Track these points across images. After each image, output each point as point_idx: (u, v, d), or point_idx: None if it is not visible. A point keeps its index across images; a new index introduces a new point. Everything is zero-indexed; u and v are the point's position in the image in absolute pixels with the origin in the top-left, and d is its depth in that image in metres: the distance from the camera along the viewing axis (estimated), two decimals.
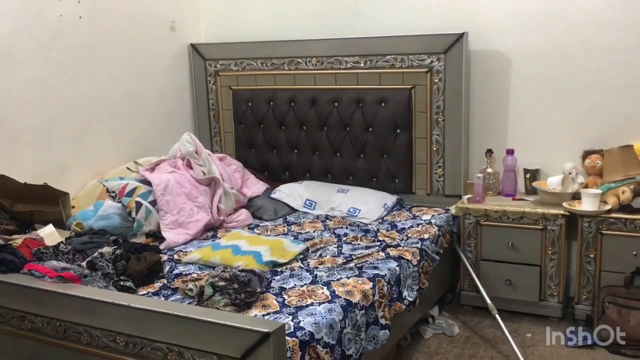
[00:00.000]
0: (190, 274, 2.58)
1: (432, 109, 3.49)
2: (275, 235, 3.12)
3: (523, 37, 3.40)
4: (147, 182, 3.14)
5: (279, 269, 2.60)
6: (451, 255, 3.39)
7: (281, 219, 3.45)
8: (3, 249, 2.41)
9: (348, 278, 2.48)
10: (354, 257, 2.73)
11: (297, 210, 3.57)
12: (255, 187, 3.71)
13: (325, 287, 2.38)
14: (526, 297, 3.25)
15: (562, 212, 3.10)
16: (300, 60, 3.77)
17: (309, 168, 3.85)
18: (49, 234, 2.72)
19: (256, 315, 2.15)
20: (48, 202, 2.89)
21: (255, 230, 3.25)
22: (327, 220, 3.37)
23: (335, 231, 3.16)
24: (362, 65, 3.61)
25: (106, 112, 3.52)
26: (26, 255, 2.46)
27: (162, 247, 2.92)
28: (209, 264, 2.66)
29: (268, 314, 2.16)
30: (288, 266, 2.65)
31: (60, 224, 2.89)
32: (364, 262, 2.66)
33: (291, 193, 3.65)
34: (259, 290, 2.26)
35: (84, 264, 2.47)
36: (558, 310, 3.22)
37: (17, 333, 2.29)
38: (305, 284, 2.43)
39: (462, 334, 3.12)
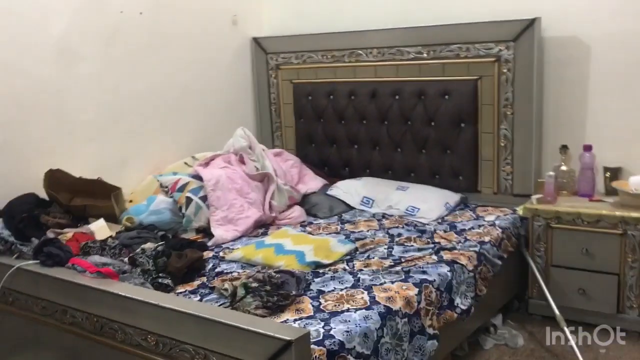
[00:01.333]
0: (231, 272, 2.52)
1: (500, 101, 3.23)
2: (327, 234, 3.01)
3: (604, 22, 3.07)
4: (199, 178, 3.12)
5: (321, 271, 2.49)
6: (519, 260, 3.13)
7: (336, 216, 3.33)
8: (50, 242, 2.46)
9: (392, 283, 2.32)
10: (403, 260, 2.56)
11: (354, 208, 3.43)
12: (312, 183, 3.61)
13: (365, 292, 2.24)
14: (602, 309, 2.94)
15: None
16: (360, 51, 3.62)
17: (369, 164, 3.70)
18: (100, 228, 2.75)
19: (287, 320, 2.04)
20: (101, 197, 2.93)
21: (307, 227, 3.15)
22: (384, 219, 3.21)
23: (390, 231, 2.99)
24: (425, 55, 3.41)
25: (165, 107, 3.54)
26: (73, 249, 2.50)
27: (210, 243, 2.89)
28: (251, 262, 2.59)
29: (300, 319, 2.05)
30: (332, 267, 2.52)
31: (113, 219, 2.92)
32: (412, 265, 2.49)
33: (348, 190, 3.52)
34: (294, 292, 2.15)
35: (126, 259, 2.47)
36: (638, 324, 2.88)
37: (60, 326, 2.33)
38: (346, 288, 2.30)
39: (527, 347, 2.87)
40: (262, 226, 3.18)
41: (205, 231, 3.04)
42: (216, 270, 2.57)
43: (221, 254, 2.76)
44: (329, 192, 3.53)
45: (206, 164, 3.29)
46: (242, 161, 3.31)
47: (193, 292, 2.35)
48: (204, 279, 2.47)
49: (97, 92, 3.18)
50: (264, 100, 4.09)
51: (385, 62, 3.55)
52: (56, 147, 3.00)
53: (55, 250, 2.41)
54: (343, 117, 3.73)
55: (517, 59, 3.15)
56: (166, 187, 3.07)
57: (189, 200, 3.00)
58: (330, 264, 2.55)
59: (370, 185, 3.52)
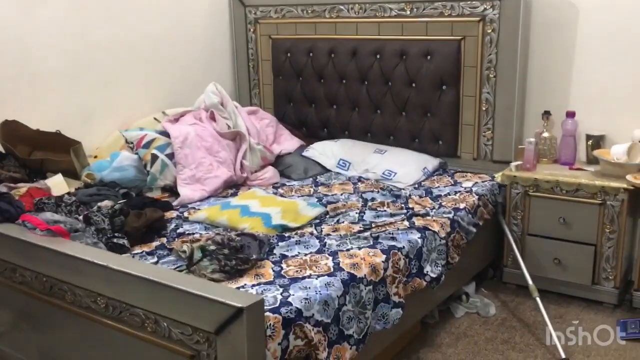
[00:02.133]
0: (193, 234, 2.41)
1: (483, 63, 3.09)
2: (299, 197, 2.90)
3: None
4: (167, 134, 2.98)
5: (287, 234, 2.38)
6: (496, 228, 3.05)
7: (310, 179, 3.22)
8: (0, 197, 2.32)
9: (359, 249, 2.22)
10: (373, 226, 2.46)
11: (330, 171, 3.32)
12: (287, 143, 3.48)
13: (330, 258, 2.14)
14: (577, 279, 2.87)
15: (625, 185, 2.68)
16: (342, 7, 3.45)
17: (347, 125, 3.57)
18: (57, 184, 2.63)
19: (244, 285, 1.94)
20: (61, 151, 2.79)
21: (279, 189, 3.04)
22: (359, 183, 3.10)
23: (364, 195, 2.89)
24: (408, 13, 3.25)
25: (135, 59, 3.36)
26: (26, 205, 2.37)
27: (175, 203, 2.77)
28: (215, 224, 2.48)
29: (258, 284, 1.95)
30: (299, 232, 2.42)
31: (74, 175, 2.79)
32: (382, 231, 2.39)
33: (324, 151, 3.40)
34: (254, 257, 2.05)
35: (81, 217, 2.35)
36: (614, 296, 2.83)
37: (10, 285, 2.22)
38: (311, 253, 2.20)
39: (499, 316, 2.81)
40: (232, 187, 3.06)
41: (172, 190, 2.91)
42: (178, 231, 2.46)
43: (185, 214, 2.65)
44: (304, 154, 3.41)
45: (175, 120, 3.15)
46: (213, 118, 3.17)
47: (150, 253, 2.24)
48: (164, 240, 2.36)
49: (61, 39, 2.99)
50: (242, 55, 3.92)
51: (367, 18, 3.39)
52: (14, 97, 2.84)
53: (5, 205, 2.28)
54: (323, 76, 3.58)
55: (502, 19, 3.00)
56: (131, 143, 2.93)
57: (154, 158, 2.87)
58: (298, 228, 2.44)
59: (348, 148, 3.40)
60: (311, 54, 3.60)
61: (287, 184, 3.14)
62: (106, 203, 2.38)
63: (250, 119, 3.29)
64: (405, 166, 3.15)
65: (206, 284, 1.78)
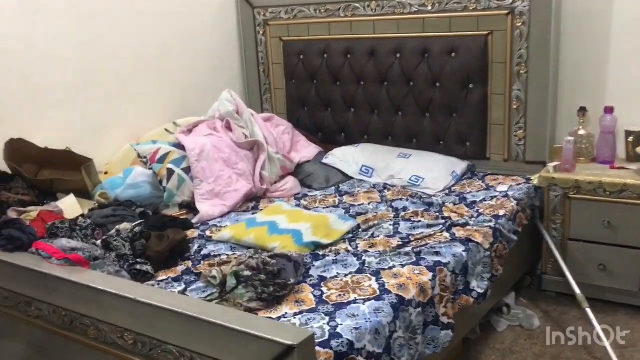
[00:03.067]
0: (219, 255, 2.24)
1: (513, 59, 2.92)
2: (324, 208, 2.73)
3: None
4: (182, 147, 2.80)
5: (321, 252, 2.21)
6: (532, 233, 2.88)
7: (333, 187, 3.04)
8: (11, 224, 2.14)
9: (402, 266, 2.05)
10: (412, 239, 2.29)
11: (352, 178, 3.15)
12: (305, 150, 3.31)
13: (373, 278, 1.97)
14: (624, 286, 2.71)
15: None
16: (357, 5, 3.28)
17: (367, 129, 3.40)
18: (69, 206, 2.45)
19: (286, 314, 1.77)
20: (71, 170, 2.61)
21: (302, 200, 2.86)
22: (385, 190, 2.93)
23: (394, 204, 2.72)
24: (430, 8, 3.08)
25: (142, 67, 3.18)
26: (39, 231, 2.19)
27: (194, 220, 2.60)
28: (241, 243, 2.30)
29: (301, 312, 1.78)
30: (333, 248, 2.25)
31: (85, 194, 2.61)
32: (423, 245, 2.22)
33: (345, 158, 3.22)
34: (292, 281, 1.88)
35: (99, 242, 2.17)
36: None
37: (25, 320, 2.04)
38: (351, 273, 2.03)
39: (543, 327, 2.64)
40: (252, 199, 2.89)
41: (190, 206, 2.74)
42: (202, 252, 2.28)
43: (208, 233, 2.47)
44: (324, 161, 3.23)
45: (189, 131, 2.97)
46: (228, 127, 2.99)
47: (176, 279, 2.06)
48: (189, 263, 2.19)
49: (64, 49, 2.81)
50: (251, 59, 3.74)
51: (385, 16, 3.21)
52: (18, 113, 2.66)
53: (17, 232, 2.10)
54: (338, 78, 3.41)
55: (533, 12, 2.83)
56: (145, 157, 2.76)
57: (170, 173, 2.69)
58: (331, 244, 2.27)
59: (370, 153, 3.22)
60: (326, 55, 3.42)
61: (309, 194, 2.97)
62: (125, 226, 2.20)
63: (266, 127, 3.12)
64: (433, 171, 2.98)
65: (247, 318, 1.60)
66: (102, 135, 3.01)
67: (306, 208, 2.74)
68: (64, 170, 2.66)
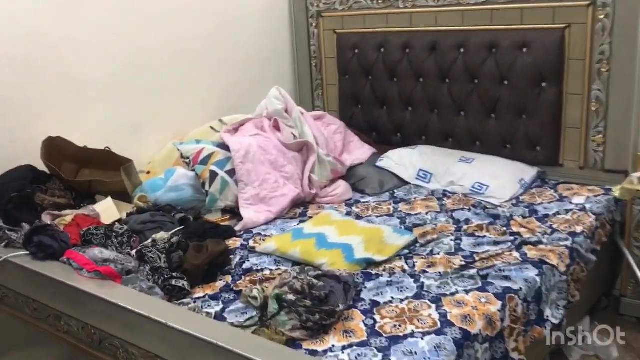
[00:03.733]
0: (262, 270, 2.05)
1: (594, 55, 2.61)
2: (377, 217, 2.50)
3: None
4: (226, 147, 2.62)
5: (373, 270, 1.98)
6: (610, 249, 2.57)
7: (387, 193, 2.81)
8: (42, 230, 2.01)
9: (467, 292, 1.81)
10: (477, 258, 2.03)
11: (409, 183, 2.90)
12: (358, 152, 3.08)
13: (433, 306, 1.74)
14: None
15: None
16: None
17: (425, 129, 3.14)
18: (106, 209, 2.31)
19: (333, 346, 1.56)
20: (110, 170, 2.47)
21: (354, 207, 2.65)
22: (445, 198, 2.68)
23: (454, 215, 2.46)
24: None
25: (187, 61, 3.02)
26: (72, 237, 2.06)
27: (238, 227, 2.42)
28: (286, 257, 2.10)
29: (350, 345, 1.56)
30: (386, 266, 2.02)
31: (125, 196, 2.47)
32: (489, 267, 1.96)
33: (402, 161, 2.98)
34: (341, 307, 1.66)
35: (134, 252, 2.01)
36: None
37: (54, 334, 1.91)
38: (407, 298, 1.80)
39: (623, 358, 2.34)
40: (300, 205, 2.69)
41: (234, 211, 2.56)
42: (244, 265, 2.09)
43: (251, 242, 2.28)
44: (378, 164, 3.00)
45: (235, 130, 2.79)
46: (276, 127, 2.79)
47: (214, 297, 1.88)
48: (229, 278, 2.00)
49: (104, 44, 2.67)
50: (303, 53, 3.53)
51: (448, 7, 2.95)
52: (56, 110, 2.54)
53: (48, 240, 1.98)
54: (396, 74, 3.16)
55: (618, 3, 2.51)
56: (187, 158, 2.59)
57: (213, 175, 2.51)
58: (385, 261, 2.04)
59: (428, 156, 2.97)
60: (382, 50, 3.18)
61: (362, 200, 2.75)
62: (162, 235, 2.04)
63: (317, 126, 2.90)
64: (499, 178, 2.71)
65: (289, 356, 1.40)
66: (143, 133, 2.87)
67: (358, 217, 2.53)
68: (103, 170, 2.52)
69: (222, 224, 2.47)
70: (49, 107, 2.52)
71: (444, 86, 3.01)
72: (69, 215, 2.19)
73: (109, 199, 2.34)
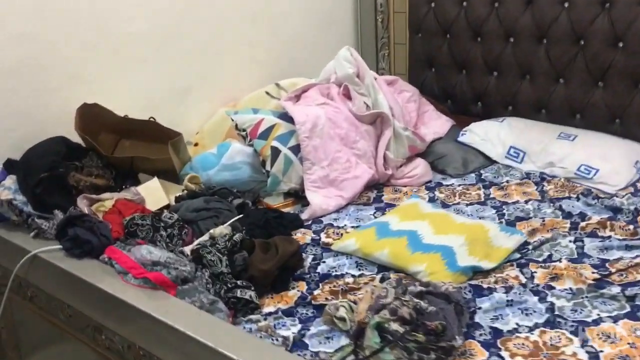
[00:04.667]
0: (342, 275, 1.67)
1: None
2: (466, 205, 2.11)
3: None
4: (289, 118, 2.22)
5: (483, 282, 1.60)
6: None
7: (473, 174, 2.40)
8: (79, 221, 1.66)
9: (614, 320, 1.41)
10: (612, 269, 1.63)
11: (496, 162, 2.48)
12: (435, 124, 2.66)
13: (575, 340, 1.35)
14: None
15: None
16: None
17: (513, 98, 2.70)
18: (152, 192, 1.95)
19: None
20: (155, 144, 2.11)
21: (436, 192, 2.25)
22: (545, 183, 2.26)
23: (562, 205, 2.05)
24: None
25: (239, 17, 2.60)
26: (114, 229, 1.71)
27: (304, 216, 2.04)
28: (371, 259, 1.72)
29: None
30: (497, 275, 1.63)
31: (171, 175, 2.11)
32: (633, 282, 1.56)
33: (488, 136, 2.55)
34: (459, 341, 1.28)
35: (188, 250, 1.65)
36: None
37: (94, 349, 1.58)
38: (537, 326, 1.41)
39: None
40: (372, 187, 2.29)
41: (297, 194, 2.18)
42: (319, 268, 1.72)
43: (323, 237, 1.90)
44: (460, 139, 2.58)
45: (297, 97, 2.39)
46: (346, 95, 2.38)
47: (289, 312, 1.52)
48: (303, 285, 1.64)
49: None
50: (367, 7, 3.07)
51: None
52: (91, 70, 2.16)
53: (85, 233, 1.63)
54: (480, 33, 2.70)
55: None
56: (243, 130, 2.20)
57: (275, 152, 2.13)
58: (494, 268, 1.65)
59: (520, 130, 2.53)
60: (465, 4, 2.72)
61: (444, 182, 2.34)
62: (221, 230, 1.68)
63: (392, 94, 2.48)
64: (610, 160, 2.27)
65: None
66: (189, 98, 2.49)
67: (444, 204, 2.13)
68: (146, 143, 2.16)
69: (284, 209, 2.10)
70: (84, 67, 2.14)
71: (540, 48, 2.55)
72: (108, 200, 1.84)
73: (155, 179, 1.98)
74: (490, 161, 2.50)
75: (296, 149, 2.15)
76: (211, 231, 1.68)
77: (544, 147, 2.42)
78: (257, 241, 1.68)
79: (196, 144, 2.44)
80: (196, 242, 1.68)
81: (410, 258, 1.64)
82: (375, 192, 2.26)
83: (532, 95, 2.65)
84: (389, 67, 3.11)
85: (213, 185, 2.07)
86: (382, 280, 1.61)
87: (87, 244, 1.62)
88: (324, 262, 1.75)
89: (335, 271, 1.70)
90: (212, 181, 2.11)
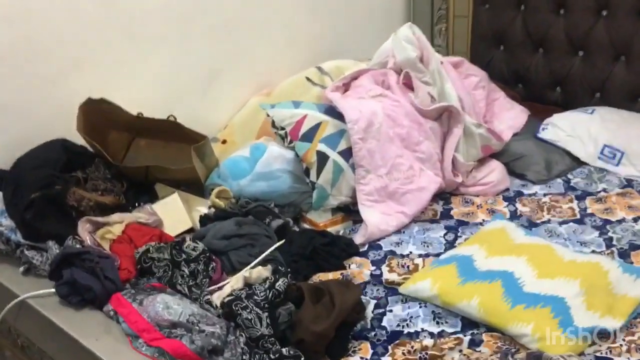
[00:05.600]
0: (417, 334, 1.28)
1: None
2: (559, 223, 1.69)
3: None
4: (338, 114, 1.81)
5: (611, 352, 1.18)
6: None
7: (560, 180, 1.97)
8: (77, 259, 1.29)
9: None
10: None
11: (586, 164, 2.04)
12: (508, 115, 2.21)
13: None
14: None
15: None
16: None
17: (603, 83, 2.25)
18: (172, 211, 1.58)
19: None
20: (176, 143, 1.73)
21: (518, 204, 1.83)
22: None
23: None
24: None
25: None
26: (123, 264, 1.34)
27: (359, 239, 1.64)
28: (454, 310, 1.32)
29: None
30: (628, 340, 1.22)
31: (196, 187, 1.73)
32: None
33: (575, 131, 2.10)
34: None
35: (217, 299, 1.28)
36: None
37: None
38: None
39: None
40: (436, 195, 1.88)
41: (348, 209, 1.78)
42: (385, 322, 1.32)
43: (386, 272, 1.50)
44: (540, 135, 2.13)
45: (345, 86, 1.97)
46: (407, 84, 1.94)
47: None
48: (367, 348, 1.24)
49: None
50: None
51: None
52: (99, 54, 1.79)
53: (85, 277, 1.27)
54: (564, 3, 2.25)
55: None
56: (282, 128, 1.80)
57: (322, 158, 1.72)
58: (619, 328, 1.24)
59: (616, 124, 2.08)
60: None
61: (525, 191, 1.92)
62: (259, 273, 1.29)
63: (461, 82, 2.04)
64: None
65: None
66: (216, 85, 2.11)
67: (530, 223, 1.71)
68: (166, 143, 1.78)
69: (332, 228, 1.71)
70: (89, 51, 1.77)
71: None
72: (117, 225, 1.47)
73: (176, 195, 1.60)
74: (579, 162, 2.06)
75: (347, 154, 1.74)
76: (246, 274, 1.30)
77: None
78: (306, 286, 1.29)
79: (224, 141, 2.05)
80: (226, 286, 1.30)
81: (509, 314, 1.24)
82: (442, 204, 1.85)
83: (628, 80, 2.19)
84: (446, 45, 2.66)
85: (246, 198, 1.68)
86: (471, 343, 1.22)
87: (87, 291, 1.25)
88: (390, 310, 1.35)
89: (407, 326, 1.30)
90: (244, 192, 1.72)
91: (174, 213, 1.56)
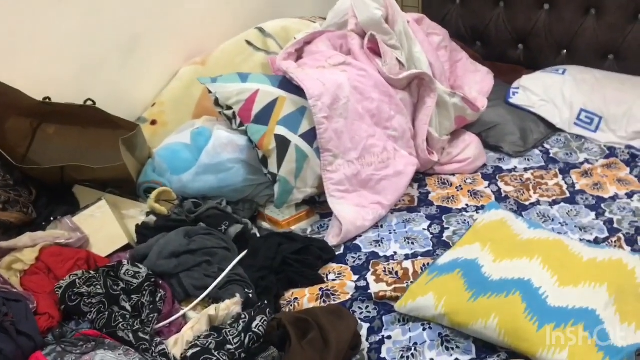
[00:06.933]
0: None
1: None
2: (549, 204, 1.51)
3: None
4: (296, 87, 1.50)
5: None
6: None
7: (537, 150, 1.79)
8: None
9: None
10: None
11: (562, 131, 1.87)
12: (473, 78, 1.99)
13: None
14: None
15: None
16: None
17: (571, 40, 2.07)
18: (100, 224, 1.24)
19: None
20: (94, 129, 1.38)
21: (500, 182, 1.64)
22: (639, 161, 1.68)
23: None
24: None
25: None
26: (41, 309, 1.02)
27: (332, 240, 1.38)
28: (467, 331, 1.09)
29: None
30: None
31: (127, 185, 1.39)
32: None
33: (547, 94, 1.92)
34: None
35: (175, 351, 0.98)
36: None
37: None
38: None
39: None
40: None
41: (314, 200, 1.51)
42: (384, 351, 1.08)
43: (372, 282, 1.25)
44: (512, 100, 1.93)
45: (298, 52, 1.66)
46: (373, 50, 1.66)
47: None
48: None
49: None
50: None
51: None
52: None
53: None
54: None
55: None
56: (229, 107, 1.47)
57: (283, 144, 1.42)
58: None
59: (590, 87, 1.91)
60: None
61: (504, 166, 1.72)
62: (227, 308, 1.01)
63: (429, 44, 1.78)
64: None
65: None
66: (139, 52, 1.73)
67: (518, 204, 1.52)
68: (82, 129, 1.42)
69: (296, 226, 1.44)
70: None
71: None
72: (27, 250, 1.12)
73: (103, 202, 1.26)
74: (554, 129, 1.88)
75: (310, 136, 1.46)
76: (211, 312, 1.00)
77: (627, 110, 1.82)
78: (288, 319, 1.01)
79: (153, 122, 1.71)
80: (186, 330, 1.00)
81: (537, 338, 1.02)
82: (417, 188, 1.62)
83: (596, 36, 2.03)
84: None
85: (191, 197, 1.37)
86: None
87: None
88: (388, 337, 1.11)
89: (412, 356, 1.06)
90: (188, 189, 1.41)
91: (104, 226, 1.23)
